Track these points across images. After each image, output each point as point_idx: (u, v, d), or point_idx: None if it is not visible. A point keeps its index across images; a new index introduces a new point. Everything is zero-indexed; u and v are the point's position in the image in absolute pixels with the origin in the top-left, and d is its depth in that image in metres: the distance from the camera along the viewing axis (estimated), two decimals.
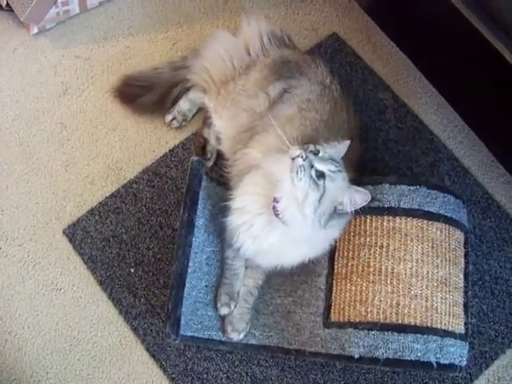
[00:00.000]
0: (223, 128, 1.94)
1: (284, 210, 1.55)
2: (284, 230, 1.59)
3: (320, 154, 1.53)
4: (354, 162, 1.79)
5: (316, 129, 1.73)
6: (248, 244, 1.66)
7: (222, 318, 1.83)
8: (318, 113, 1.77)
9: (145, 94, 2.07)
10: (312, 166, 1.50)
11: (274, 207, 1.56)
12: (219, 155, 2.02)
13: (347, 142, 1.62)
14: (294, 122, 1.74)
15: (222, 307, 1.80)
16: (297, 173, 1.49)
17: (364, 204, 1.54)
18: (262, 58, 1.91)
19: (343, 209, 1.55)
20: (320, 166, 1.51)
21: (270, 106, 1.82)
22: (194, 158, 1.78)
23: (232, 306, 1.81)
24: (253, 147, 1.75)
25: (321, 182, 1.50)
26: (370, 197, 1.53)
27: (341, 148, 1.61)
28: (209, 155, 2.04)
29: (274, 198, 1.56)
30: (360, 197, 1.54)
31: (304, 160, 1.49)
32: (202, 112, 2.09)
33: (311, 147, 1.54)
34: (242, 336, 1.82)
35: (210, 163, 2.04)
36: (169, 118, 2.09)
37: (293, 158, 1.50)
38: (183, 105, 2.08)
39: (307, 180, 1.50)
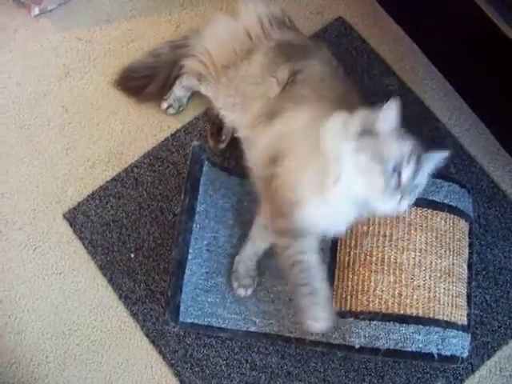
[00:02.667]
0: (237, 121, 1.86)
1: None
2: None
3: (405, 170, 1.43)
4: None
5: (330, 108, 1.66)
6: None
7: (229, 275, 1.84)
8: (332, 92, 1.72)
9: (149, 84, 2.04)
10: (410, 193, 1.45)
11: None
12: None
13: (394, 101, 1.44)
14: (310, 100, 1.69)
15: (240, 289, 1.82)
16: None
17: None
18: (264, 41, 1.85)
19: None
20: (416, 181, 1.45)
21: (283, 90, 1.76)
22: (196, 143, 1.75)
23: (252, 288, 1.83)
24: (280, 125, 1.66)
25: (417, 189, 1.48)
26: (448, 152, 1.51)
27: (391, 113, 1.45)
28: (223, 137, 2.00)
29: None
30: (441, 159, 1.52)
31: (408, 201, 1.44)
32: (197, 95, 2.06)
33: (389, 168, 1.41)
34: (249, 292, 1.82)
35: (223, 145, 2.00)
36: (164, 105, 2.06)
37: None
38: (178, 92, 2.05)
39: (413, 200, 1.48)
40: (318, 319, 1.54)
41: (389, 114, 1.44)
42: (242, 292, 1.82)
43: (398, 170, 1.42)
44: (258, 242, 1.81)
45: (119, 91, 2.11)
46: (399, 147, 1.44)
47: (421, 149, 1.47)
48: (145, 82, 2.04)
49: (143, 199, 1.99)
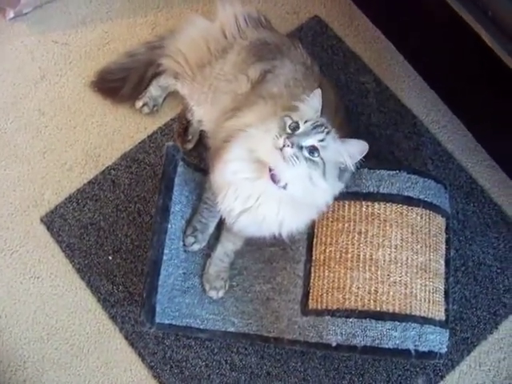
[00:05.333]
0: (205, 115, 1.90)
1: (296, 191, 1.51)
2: (285, 195, 1.54)
3: (301, 128, 1.48)
4: None
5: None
6: (244, 217, 1.62)
7: (200, 277, 1.83)
8: (305, 91, 1.71)
9: (124, 86, 2.04)
10: (301, 147, 1.45)
11: (272, 177, 1.51)
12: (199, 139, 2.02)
13: (317, 91, 1.55)
14: (282, 99, 1.70)
15: (189, 237, 1.79)
16: (291, 163, 1.44)
17: (364, 154, 1.50)
18: (238, 40, 1.87)
19: (346, 166, 1.52)
20: (309, 142, 1.46)
21: (253, 87, 1.78)
22: (169, 143, 1.75)
23: (199, 245, 1.80)
24: (243, 116, 1.69)
25: (317, 158, 1.46)
26: (367, 145, 1.49)
27: (315, 100, 1.55)
28: (190, 137, 2.01)
29: (270, 168, 1.51)
30: (357, 149, 1.50)
31: (292, 147, 1.44)
32: (173, 96, 2.07)
33: (288, 122, 1.49)
34: (220, 294, 1.83)
35: (190, 145, 2.02)
36: (139, 104, 2.06)
37: (280, 149, 1.45)
38: (154, 91, 2.05)
39: (304, 163, 1.45)
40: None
41: (314, 100, 1.54)
42: (213, 294, 1.82)
43: (295, 125, 1.48)
44: (226, 243, 1.83)
45: (95, 93, 2.10)
46: (307, 112, 1.53)
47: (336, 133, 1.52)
48: (121, 83, 2.04)
49: (120, 201, 1.98)
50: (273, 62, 1.80)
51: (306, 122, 1.49)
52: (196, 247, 1.80)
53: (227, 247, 1.83)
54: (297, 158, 1.44)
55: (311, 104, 1.55)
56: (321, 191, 1.51)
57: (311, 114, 1.53)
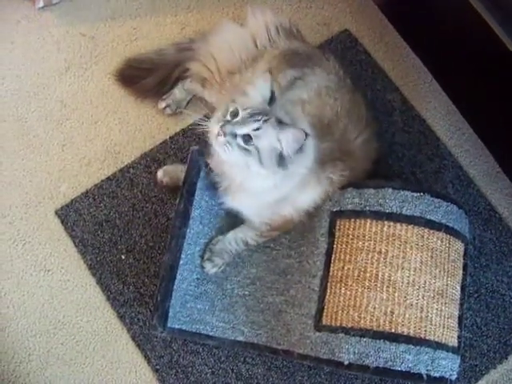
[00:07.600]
0: None
1: (236, 176, 1.61)
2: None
3: (239, 115, 1.50)
4: (373, 160, 1.84)
5: (336, 114, 1.72)
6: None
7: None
8: (337, 100, 1.74)
9: (147, 77, 2.03)
10: (236, 135, 1.49)
11: None
12: None
13: (266, 75, 1.57)
14: (311, 105, 1.71)
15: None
16: (224, 150, 1.50)
17: (301, 143, 1.51)
18: (269, 49, 1.87)
19: (285, 153, 1.53)
20: (243, 131, 1.49)
21: (282, 93, 1.76)
22: (195, 147, 1.73)
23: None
24: None
25: (250, 146, 1.50)
26: (304, 134, 1.49)
27: (264, 86, 1.55)
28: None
29: None
30: (294, 138, 1.50)
31: (225, 136, 1.48)
32: (197, 98, 2.06)
33: (231, 108, 1.52)
34: (214, 270, 1.82)
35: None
36: (162, 104, 2.05)
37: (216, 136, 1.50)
38: (179, 94, 2.04)
39: (237, 151, 1.50)
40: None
41: (263, 86, 1.56)
42: (208, 266, 1.81)
43: (235, 111, 1.52)
44: (239, 231, 1.83)
45: (119, 83, 2.09)
46: (255, 97, 1.56)
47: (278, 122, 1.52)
48: (143, 74, 2.04)
49: (137, 200, 1.97)
50: (303, 70, 1.81)
51: (245, 109, 1.51)
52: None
53: (237, 234, 1.82)
54: (230, 146, 1.49)
55: (260, 90, 1.56)
56: (261, 177, 1.56)
57: (259, 100, 1.55)
